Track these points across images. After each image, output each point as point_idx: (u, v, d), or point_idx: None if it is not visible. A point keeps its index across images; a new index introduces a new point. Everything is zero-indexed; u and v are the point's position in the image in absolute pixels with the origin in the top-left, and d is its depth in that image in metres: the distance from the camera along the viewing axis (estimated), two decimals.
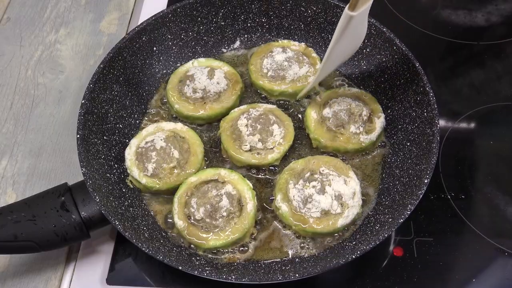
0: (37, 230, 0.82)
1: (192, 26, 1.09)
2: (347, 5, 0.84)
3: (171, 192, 0.92)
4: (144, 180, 0.91)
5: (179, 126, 0.98)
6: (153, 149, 0.92)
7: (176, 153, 0.92)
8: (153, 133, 0.96)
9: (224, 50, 1.13)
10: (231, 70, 1.06)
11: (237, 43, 1.14)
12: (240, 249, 0.89)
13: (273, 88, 1.03)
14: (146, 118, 1.04)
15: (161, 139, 0.93)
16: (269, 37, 1.12)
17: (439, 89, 1.12)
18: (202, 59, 1.07)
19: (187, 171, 0.93)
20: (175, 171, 0.92)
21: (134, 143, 0.95)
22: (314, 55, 1.07)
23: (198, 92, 1.01)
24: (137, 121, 1.03)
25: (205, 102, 1.01)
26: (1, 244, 0.82)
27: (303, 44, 1.09)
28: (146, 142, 0.94)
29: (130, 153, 0.94)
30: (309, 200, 0.87)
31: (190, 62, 1.07)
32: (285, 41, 1.10)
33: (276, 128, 0.96)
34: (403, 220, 0.82)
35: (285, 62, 1.04)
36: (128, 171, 0.93)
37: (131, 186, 0.94)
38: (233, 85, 1.04)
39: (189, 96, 1.01)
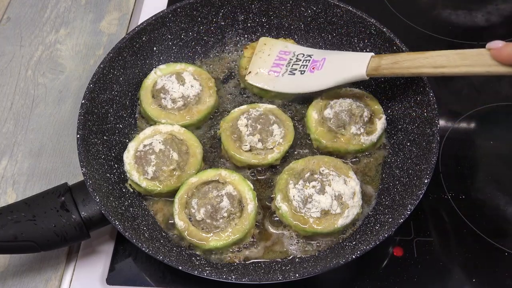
0: (37, 230, 0.82)
1: (192, 26, 1.09)
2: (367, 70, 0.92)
3: (172, 194, 0.92)
4: (144, 184, 0.91)
5: (176, 128, 0.97)
6: (152, 152, 0.92)
7: (175, 155, 0.92)
8: (151, 136, 0.95)
9: (224, 50, 1.13)
10: (196, 68, 1.05)
11: (237, 43, 1.14)
12: (241, 249, 0.89)
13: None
14: (144, 119, 1.04)
15: (160, 142, 0.93)
16: (269, 37, 1.12)
17: (439, 89, 1.12)
18: (162, 66, 1.05)
19: (187, 173, 0.93)
20: (175, 173, 0.92)
21: (132, 146, 0.94)
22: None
23: (179, 101, 0.99)
24: (137, 121, 1.03)
25: (189, 108, 1.00)
26: (1, 244, 0.82)
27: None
28: (145, 145, 0.93)
29: (128, 157, 0.93)
30: (309, 200, 0.87)
31: (152, 72, 1.04)
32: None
33: (276, 128, 0.96)
34: (403, 220, 0.82)
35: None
36: (128, 175, 0.92)
37: (131, 190, 0.94)
38: (205, 82, 1.03)
39: (170, 108, 1.00)
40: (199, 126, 1.02)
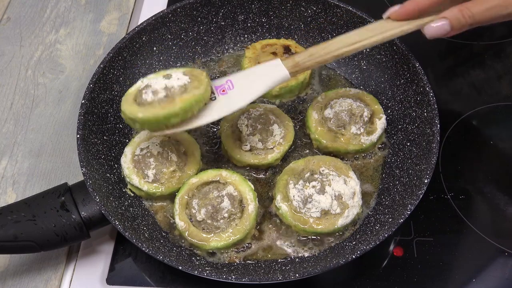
0: (37, 230, 0.82)
1: (192, 26, 1.09)
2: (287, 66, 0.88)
3: (173, 196, 0.92)
4: (146, 187, 0.90)
5: None
6: (150, 155, 0.91)
7: (174, 157, 0.92)
8: (147, 139, 0.94)
9: (224, 50, 1.13)
10: (188, 69, 0.88)
11: (237, 43, 1.14)
12: (241, 249, 0.89)
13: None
14: None
15: (157, 145, 0.92)
16: (269, 37, 1.12)
17: (439, 89, 1.12)
18: (151, 76, 0.88)
19: (187, 173, 0.93)
20: (176, 174, 0.92)
21: (128, 151, 0.94)
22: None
23: (161, 92, 0.81)
24: None
25: (171, 98, 0.81)
26: (1, 244, 0.82)
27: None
28: (142, 149, 0.93)
29: (126, 162, 0.93)
30: (309, 200, 0.87)
31: (139, 81, 0.87)
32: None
33: (276, 128, 0.96)
34: (403, 220, 0.82)
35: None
36: (127, 179, 0.92)
37: (132, 194, 0.93)
38: (196, 75, 0.86)
39: (150, 101, 0.81)
40: (184, 118, 0.85)
